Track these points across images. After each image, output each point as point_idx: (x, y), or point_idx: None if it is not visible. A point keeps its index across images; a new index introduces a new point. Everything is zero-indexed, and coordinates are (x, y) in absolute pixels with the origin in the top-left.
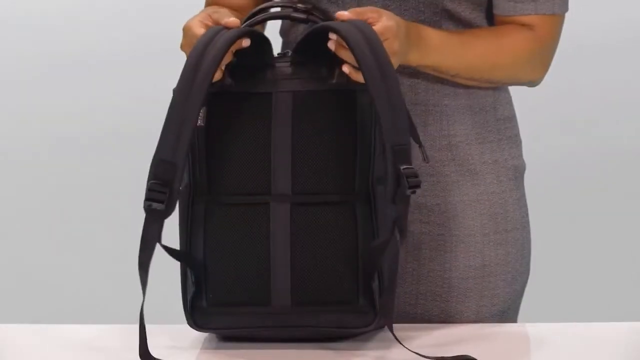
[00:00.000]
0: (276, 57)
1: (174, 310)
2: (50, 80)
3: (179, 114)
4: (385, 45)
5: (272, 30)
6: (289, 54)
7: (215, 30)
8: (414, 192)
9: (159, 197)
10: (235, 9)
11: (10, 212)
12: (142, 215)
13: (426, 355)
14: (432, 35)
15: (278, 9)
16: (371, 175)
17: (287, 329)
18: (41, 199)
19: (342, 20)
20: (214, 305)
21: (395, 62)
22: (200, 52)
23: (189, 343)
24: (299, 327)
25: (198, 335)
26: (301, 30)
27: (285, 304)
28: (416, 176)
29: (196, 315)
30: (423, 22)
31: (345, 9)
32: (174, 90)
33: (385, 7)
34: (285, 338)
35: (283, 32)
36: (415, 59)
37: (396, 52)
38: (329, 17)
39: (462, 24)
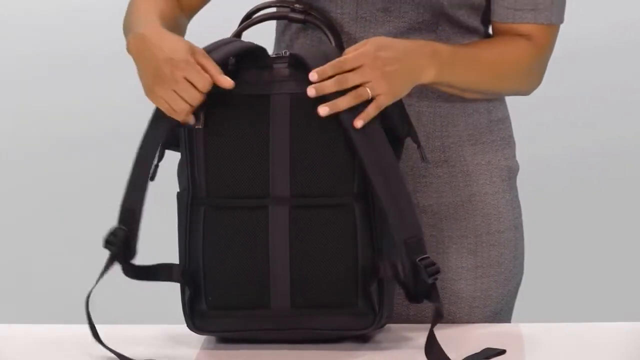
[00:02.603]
0: (273, 58)
1: (174, 310)
2: (50, 80)
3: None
4: (366, 68)
5: (266, 29)
6: (287, 54)
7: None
8: (435, 279)
9: (112, 240)
10: (186, 9)
11: (10, 212)
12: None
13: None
14: (445, 50)
15: (275, 9)
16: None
17: (287, 331)
18: (41, 199)
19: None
20: (214, 308)
21: (402, 72)
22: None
23: (188, 343)
24: (298, 329)
25: (197, 336)
26: (294, 29)
27: (284, 306)
28: (434, 264)
29: (195, 318)
30: (421, 24)
31: (344, 9)
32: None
33: (385, 9)
34: (284, 340)
35: (279, 31)
36: (431, 75)
37: (390, 57)
38: (327, 16)
39: (459, 28)
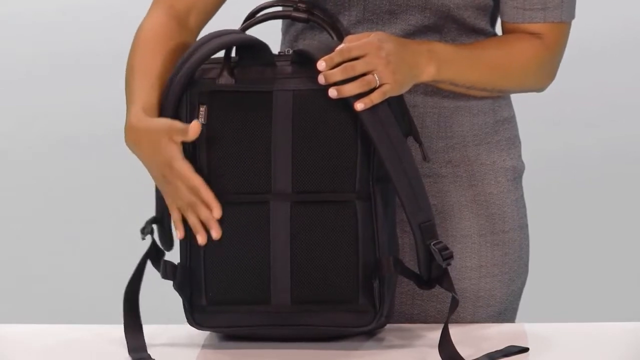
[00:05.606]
0: (277, 55)
1: (174, 310)
2: (50, 80)
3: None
4: (372, 57)
5: (271, 29)
6: (290, 52)
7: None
8: (449, 264)
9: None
10: (195, 29)
11: (10, 212)
12: (141, 215)
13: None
14: (443, 48)
15: (279, 8)
16: (371, 174)
17: (287, 327)
18: (41, 199)
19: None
20: (214, 304)
21: (402, 73)
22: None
23: (189, 343)
24: (298, 325)
25: (198, 335)
26: (298, 29)
27: (285, 302)
28: (447, 248)
29: (196, 314)
30: (428, 26)
31: (351, 11)
32: None
33: (392, 11)
34: (284, 337)
35: (283, 30)
36: (431, 73)
37: (385, 49)
38: (330, 16)
39: (466, 29)
